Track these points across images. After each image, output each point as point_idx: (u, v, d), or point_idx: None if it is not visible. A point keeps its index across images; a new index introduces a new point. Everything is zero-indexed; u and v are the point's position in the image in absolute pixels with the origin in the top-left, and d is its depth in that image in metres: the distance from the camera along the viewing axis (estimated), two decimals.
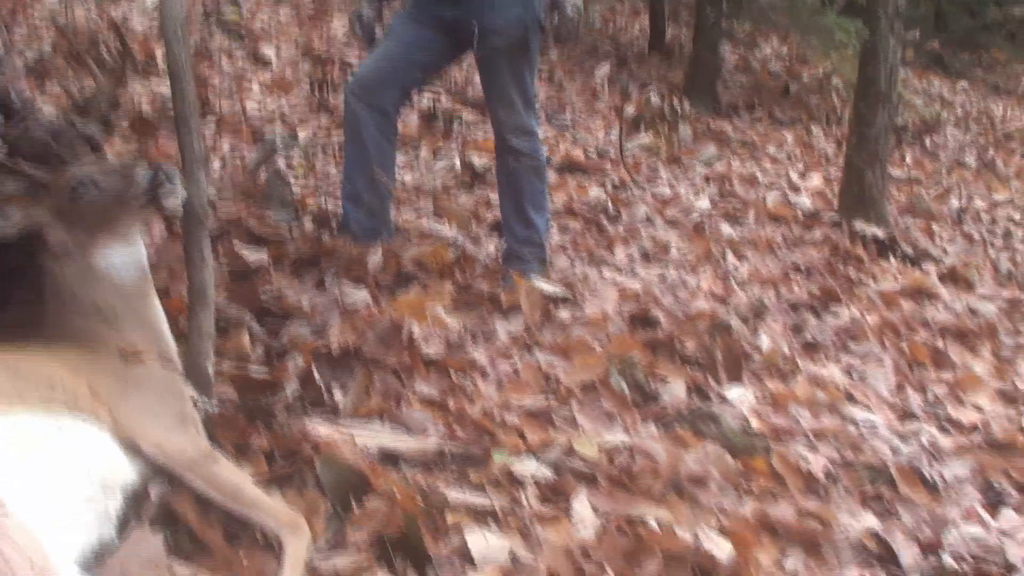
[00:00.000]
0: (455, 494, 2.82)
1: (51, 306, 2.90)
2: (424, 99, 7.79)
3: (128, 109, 5.96)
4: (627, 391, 3.67)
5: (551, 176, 6.34)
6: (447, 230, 5.10)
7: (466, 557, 2.58)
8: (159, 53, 6.93)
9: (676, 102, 9.48)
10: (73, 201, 2.74)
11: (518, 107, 4.52)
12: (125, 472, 2.46)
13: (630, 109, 9.10)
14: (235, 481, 2.55)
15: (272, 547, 2.48)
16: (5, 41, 3.41)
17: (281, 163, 5.59)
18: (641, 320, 4.45)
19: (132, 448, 2.49)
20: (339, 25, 9.84)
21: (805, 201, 7.66)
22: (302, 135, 6.56)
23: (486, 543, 2.64)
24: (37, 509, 2.08)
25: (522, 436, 3.22)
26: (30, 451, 2.22)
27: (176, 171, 2.80)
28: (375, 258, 4.26)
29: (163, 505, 2.54)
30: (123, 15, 8.22)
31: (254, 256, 4.28)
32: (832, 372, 4.30)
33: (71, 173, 2.76)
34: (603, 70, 10.92)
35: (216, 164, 5.65)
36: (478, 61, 4.61)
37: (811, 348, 4.58)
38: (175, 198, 2.80)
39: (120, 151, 5.41)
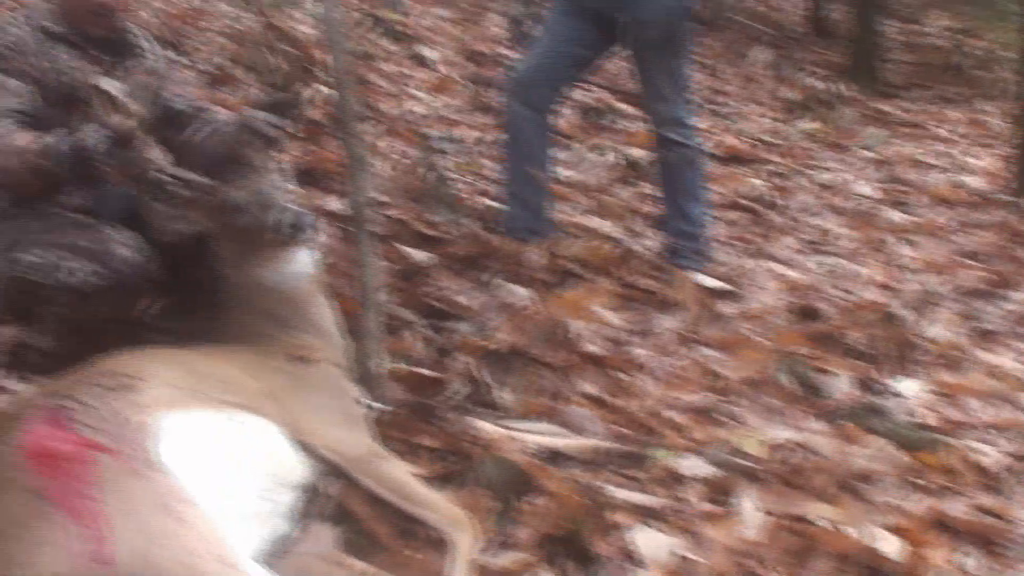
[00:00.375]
0: (619, 492, 2.84)
1: (227, 311, 3.10)
2: (582, 94, 7.81)
3: (298, 114, 6.19)
4: (792, 385, 3.63)
5: (711, 167, 6.28)
6: (607, 226, 5.11)
7: (631, 556, 2.61)
8: (326, 59, 7.15)
9: (837, 84, 9.23)
10: (228, 221, 2.93)
11: (672, 98, 4.50)
12: (298, 469, 2.59)
13: (790, 94, 8.92)
14: (403, 479, 2.66)
15: (440, 544, 2.56)
16: (180, 51, 3.62)
17: (444, 164, 5.70)
18: (806, 312, 4.38)
19: (304, 446, 2.64)
20: (498, 24, 9.95)
21: (976, 182, 7.32)
22: (464, 135, 6.67)
23: (651, 542, 2.66)
24: (217, 502, 2.21)
25: (685, 433, 3.23)
26: (208, 447, 2.37)
27: (312, 220, 2.93)
28: (536, 256, 4.31)
29: (336, 501, 2.65)
30: (292, 23, 8.53)
31: (421, 257, 4.40)
32: (1009, 361, 4.12)
33: (226, 195, 2.94)
34: (760, 54, 10.72)
35: (382, 166, 5.80)
36: (629, 54, 4.61)
37: (985, 336, 4.39)
38: (305, 242, 2.95)
39: (294, 154, 5.64)
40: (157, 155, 3.02)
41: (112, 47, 3.42)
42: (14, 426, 2.22)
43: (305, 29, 8.23)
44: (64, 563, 1.89)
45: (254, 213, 2.87)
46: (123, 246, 3.06)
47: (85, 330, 3.07)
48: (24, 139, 2.99)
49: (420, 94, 7.66)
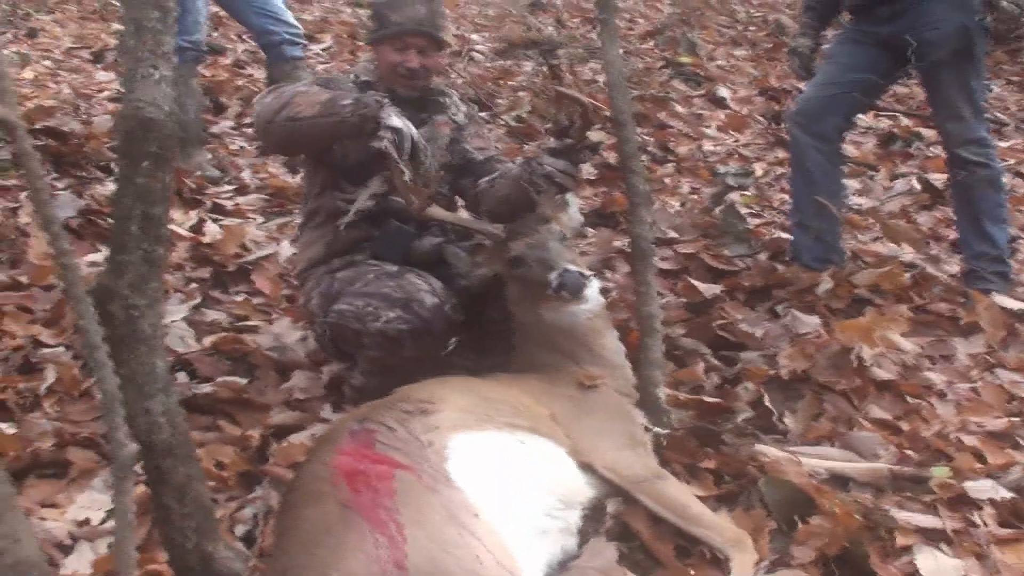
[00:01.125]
0: (904, 515, 2.79)
1: (518, 341, 3.35)
2: (881, 122, 7.63)
3: (589, 160, 6.46)
4: None
5: (1014, 186, 5.97)
6: (902, 252, 4.98)
7: None
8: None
9: None
10: (510, 269, 3.17)
11: (967, 118, 4.34)
12: (583, 489, 2.76)
13: None
14: (683, 499, 2.75)
15: (719, 563, 2.64)
16: (487, 108, 3.93)
17: (736, 198, 5.76)
18: None
19: (587, 467, 2.80)
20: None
21: None
22: (756, 169, 6.70)
23: (937, 564, 2.61)
24: (506, 518, 2.41)
25: (980, 457, 3.12)
26: (498, 466, 2.58)
27: (586, 283, 3.09)
28: (826, 284, 4.28)
29: (618, 520, 2.79)
30: (592, 74, 8.87)
31: (710, 289, 4.48)
32: None
33: (511, 246, 3.18)
34: None
35: (676, 204, 5.94)
36: (920, 76, 4.51)
37: None
38: (576, 302, 3.11)
39: (588, 197, 5.88)
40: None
41: (420, 103, 3.78)
42: (328, 448, 2.52)
43: (599, 78, 8.53)
44: (366, 568, 2.11)
45: (536, 270, 3.10)
46: (429, 294, 3.35)
47: (392, 369, 3.36)
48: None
49: (713, 132, 7.75)
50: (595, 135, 3.71)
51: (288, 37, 6.28)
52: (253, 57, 9.05)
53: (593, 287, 3.18)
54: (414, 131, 3.30)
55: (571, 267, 3.05)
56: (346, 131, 3.35)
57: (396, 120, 3.27)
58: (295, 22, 6.41)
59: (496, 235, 3.30)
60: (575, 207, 3.48)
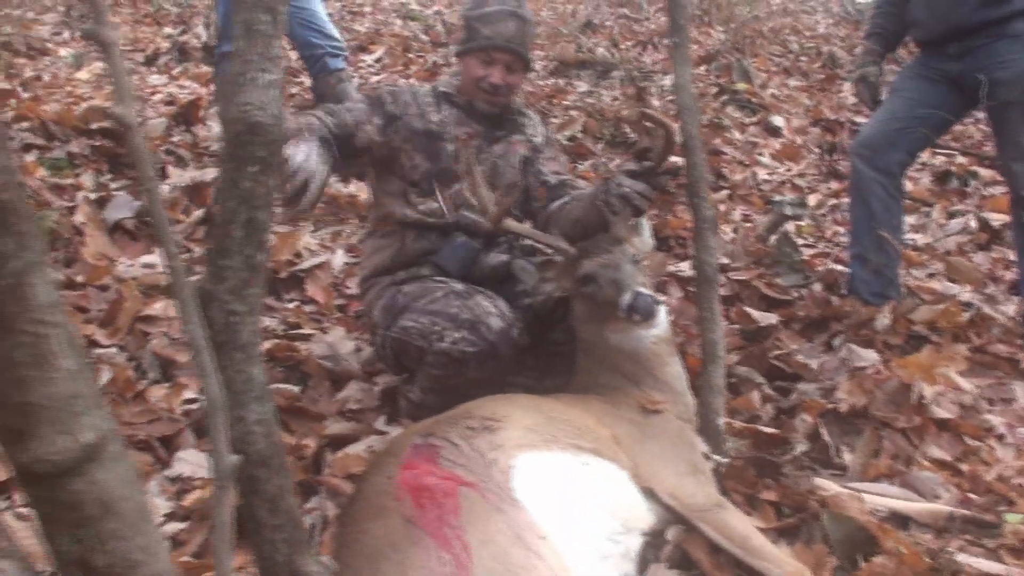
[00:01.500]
0: (967, 559, 2.75)
1: (581, 360, 3.33)
2: (937, 158, 7.57)
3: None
4: None
5: None
6: (960, 290, 4.92)
7: None
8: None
9: None
10: (580, 287, 3.15)
11: None
12: (644, 514, 2.72)
13: None
14: (744, 530, 2.71)
15: None
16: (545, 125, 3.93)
17: (790, 228, 5.72)
18: None
19: (649, 493, 2.76)
20: (849, 90, 9.83)
21: None
22: (811, 200, 6.66)
23: None
24: (570, 540, 2.38)
25: None
26: (562, 487, 2.55)
27: (655, 305, 3.06)
28: (884, 319, 4.23)
29: (678, 548, 2.75)
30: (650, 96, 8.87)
31: (765, 318, 4.45)
32: None
33: (583, 264, 3.16)
34: None
35: (728, 231, 5.91)
36: (989, 114, 4.46)
37: None
38: (646, 326, 3.10)
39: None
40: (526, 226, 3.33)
41: (499, 121, 3.79)
42: (392, 461, 2.51)
43: (656, 102, 8.53)
44: None
45: (607, 290, 3.08)
46: (497, 317, 3.35)
47: (453, 388, 3.36)
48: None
49: (767, 160, 7.71)
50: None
51: (331, 50, 6.36)
52: (304, 65, 9.12)
53: (662, 312, 3.16)
54: (309, 167, 3.18)
55: (643, 290, 3.03)
56: None
57: (296, 156, 3.17)
58: (338, 36, 6.50)
59: (568, 252, 3.28)
60: (648, 231, 3.47)
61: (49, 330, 1.00)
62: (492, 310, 3.34)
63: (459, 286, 3.48)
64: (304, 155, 3.16)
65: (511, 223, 3.36)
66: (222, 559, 1.25)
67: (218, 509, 1.27)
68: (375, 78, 9.52)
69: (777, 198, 6.02)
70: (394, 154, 3.64)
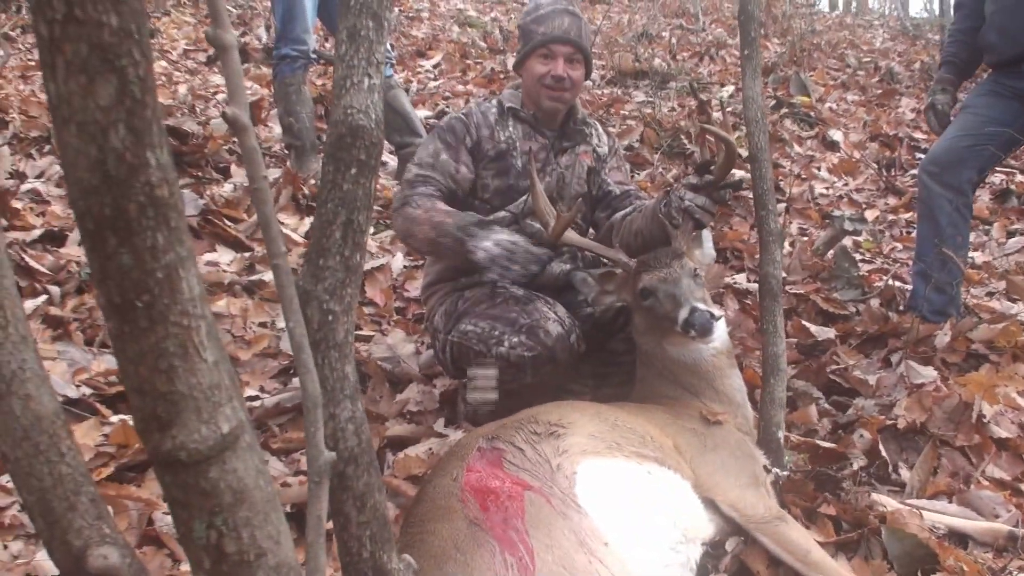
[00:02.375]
0: None
1: (641, 371, 3.35)
2: (996, 176, 7.50)
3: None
4: None
5: None
6: (1020, 310, 4.87)
7: None
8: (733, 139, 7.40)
9: None
10: (639, 300, 3.18)
11: None
12: (704, 524, 2.74)
13: None
14: (803, 543, 2.70)
15: None
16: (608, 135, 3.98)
17: (848, 243, 5.70)
18: None
19: (710, 503, 2.78)
20: (907, 106, 9.77)
21: None
22: (869, 215, 6.62)
23: None
24: (633, 548, 2.40)
25: None
26: (626, 495, 2.57)
27: (714, 324, 3.08)
28: (944, 337, 4.22)
29: (736, 559, 2.76)
30: (702, 105, 8.86)
31: (823, 332, 4.44)
32: None
33: (642, 278, 3.19)
34: None
35: (786, 244, 5.90)
36: None
37: None
38: (702, 342, 3.13)
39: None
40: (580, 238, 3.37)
41: (565, 132, 3.82)
42: (457, 464, 2.55)
43: (716, 114, 8.51)
44: None
45: (665, 305, 3.11)
46: (555, 323, 3.38)
47: (510, 392, 3.41)
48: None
49: (825, 175, 7.68)
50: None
51: None
52: None
53: (720, 327, 3.18)
54: (506, 244, 3.33)
55: (701, 306, 3.06)
56: (449, 255, 3.48)
57: (486, 248, 3.32)
58: (388, 44, 6.54)
59: (628, 265, 3.31)
60: (710, 244, 3.49)
61: (197, 322, 1.05)
62: (551, 316, 3.38)
63: (519, 292, 3.52)
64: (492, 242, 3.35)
65: (571, 236, 3.38)
66: (317, 553, 1.29)
67: (313, 504, 1.31)
68: (433, 83, 9.59)
69: (836, 213, 5.99)
70: (476, 178, 3.70)
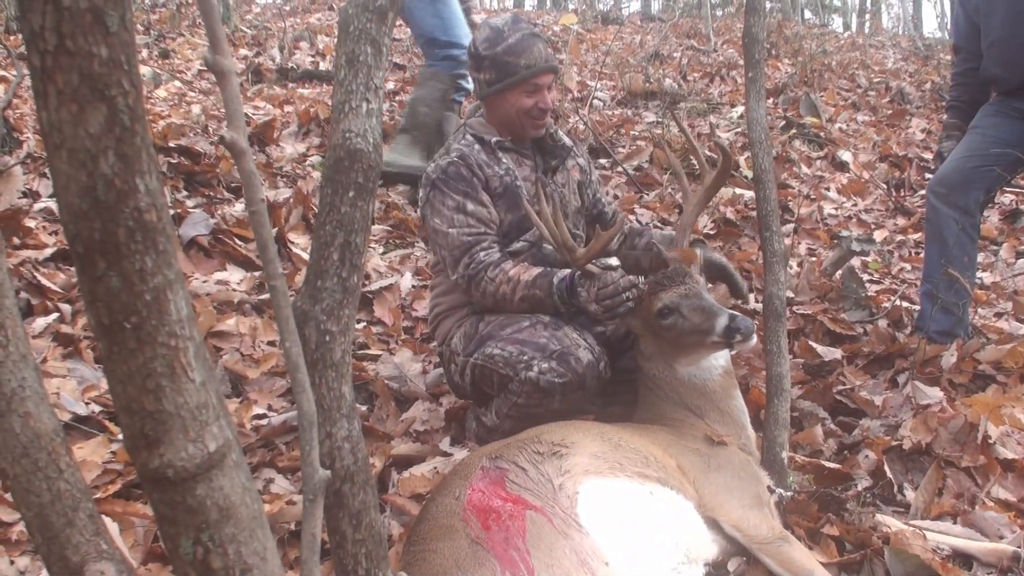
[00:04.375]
0: None
1: (644, 395, 3.36)
2: (1006, 196, 7.50)
3: (713, 213, 6.49)
4: None
5: None
6: None
7: None
8: (741, 161, 7.42)
9: None
10: (658, 320, 3.19)
11: None
12: (707, 545, 2.74)
13: None
14: (807, 564, 2.70)
15: None
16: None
17: (856, 263, 5.70)
18: None
19: (713, 524, 2.78)
20: (917, 126, 9.77)
21: None
22: (878, 236, 6.63)
23: None
24: (634, 568, 2.41)
25: None
26: (627, 515, 2.58)
27: (752, 326, 3.10)
28: (950, 358, 4.21)
29: None
30: (713, 127, 8.89)
31: (829, 353, 4.45)
32: None
33: (660, 297, 3.20)
34: None
35: (793, 264, 5.91)
36: None
37: None
38: (746, 345, 3.15)
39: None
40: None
41: (552, 149, 3.83)
42: (460, 483, 2.56)
43: (723, 135, 8.54)
44: None
45: (694, 318, 3.12)
46: (586, 350, 3.38)
47: (533, 416, 3.36)
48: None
49: (834, 195, 7.69)
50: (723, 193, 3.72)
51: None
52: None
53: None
54: (619, 284, 3.33)
55: (736, 313, 3.08)
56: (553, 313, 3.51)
57: (591, 310, 3.37)
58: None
59: (642, 290, 3.32)
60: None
61: (184, 343, 1.08)
62: (581, 343, 3.38)
63: (545, 317, 3.50)
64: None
65: (592, 266, 3.38)
66: (311, 570, 1.31)
67: (307, 522, 1.33)
68: None
69: (844, 233, 5.99)
70: None
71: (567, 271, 3.42)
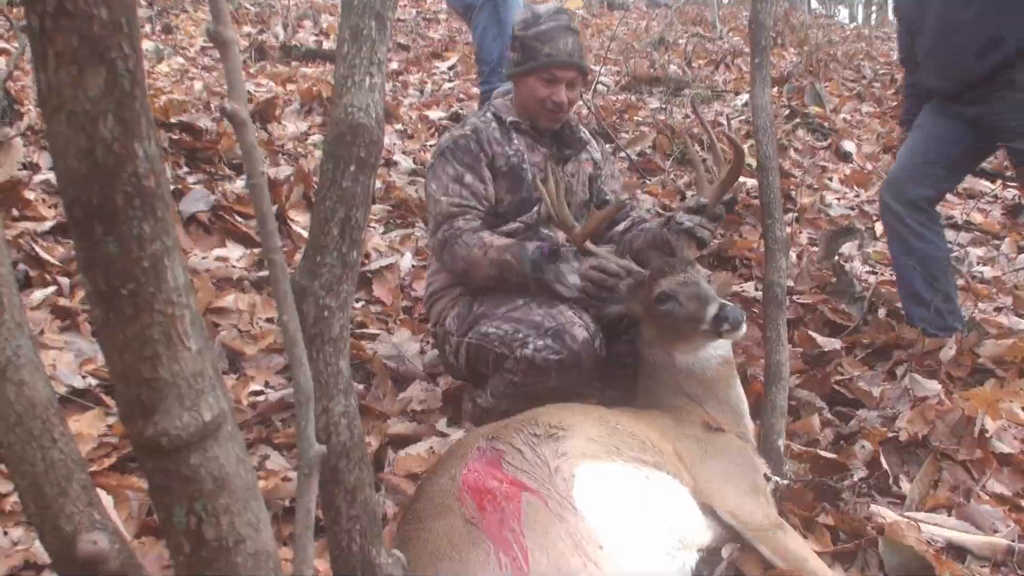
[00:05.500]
0: None
1: (644, 381, 3.36)
2: (1008, 191, 7.48)
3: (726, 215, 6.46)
4: None
5: None
6: None
7: None
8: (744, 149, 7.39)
9: None
10: (656, 306, 3.19)
11: None
12: (702, 531, 2.74)
13: None
14: (802, 552, 2.71)
15: None
16: (610, 141, 3.96)
17: (857, 254, 5.69)
18: None
19: (708, 510, 2.78)
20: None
21: None
22: (879, 227, 6.60)
23: None
24: (628, 552, 2.41)
25: None
26: (624, 498, 2.57)
27: (742, 315, 3.09)
28: (948, 351, 4.21)
29: (732, 566, 2.76)
30: (717, 115, 8.87)
31: (828, 343, 4.44)
32: None
33: (660, 283, 3.20)
34: None
35: (794, 254, 5.89)
36: (1010, 157, 4.46)
37: None
38: (734, 335, 3.12)
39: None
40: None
41: (565, 140, 3.82)
42: (457, 463, 2.56)
43: (722, 120, 8.49)
44: None
45: (689, 306, 3.12)
46: (581, 327, 3.38)
47: (528, 395, 3.37)
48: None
49: (835, 185, 7.67)
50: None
51: None
52: None
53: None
54: (590, 275, 3.36)
55: (727, 302, 3.07)
56: (517, 290, 3.51)
57: (569, 283, 3.38)
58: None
59: (641, 274, 3.32)
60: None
61: (181, 311, 1.07)
62: (577, 320, 3.38)
63: (540, 296, 3.50)
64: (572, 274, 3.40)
65: (590, 245, 3.39)
66: (305, 546, 1.30)
67: (302, 497, 1.32)
68: (448, 85, 9.61)
69: (844, 223, 5.98)
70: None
71: (545, 243, 3.43)
